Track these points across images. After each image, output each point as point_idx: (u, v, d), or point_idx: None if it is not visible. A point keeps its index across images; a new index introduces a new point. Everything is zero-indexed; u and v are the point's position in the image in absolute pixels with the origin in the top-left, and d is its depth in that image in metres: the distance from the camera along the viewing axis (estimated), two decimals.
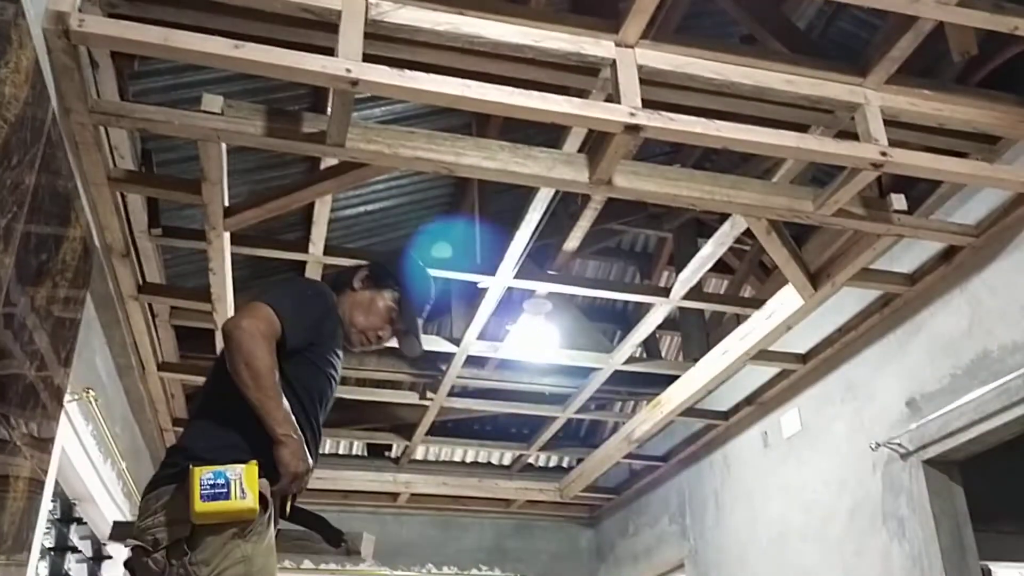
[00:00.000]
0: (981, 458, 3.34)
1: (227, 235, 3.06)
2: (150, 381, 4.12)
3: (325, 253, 3.61)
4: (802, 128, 3.04)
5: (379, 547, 6.10)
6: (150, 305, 3.91)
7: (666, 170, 2.89)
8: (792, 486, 4.17)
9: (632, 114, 2.48)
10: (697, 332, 5.27)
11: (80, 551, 3.71)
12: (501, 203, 4.35)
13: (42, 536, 2.86)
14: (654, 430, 4.82)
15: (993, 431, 3.07)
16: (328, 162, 2.97)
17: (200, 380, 4.41)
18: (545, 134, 3.56)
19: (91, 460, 3.55)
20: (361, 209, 4.67)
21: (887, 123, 2.78)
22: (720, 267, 5.53)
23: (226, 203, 2.92)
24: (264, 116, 2.52)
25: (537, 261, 4.30)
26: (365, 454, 6.39)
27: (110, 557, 4.28)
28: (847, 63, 2.84)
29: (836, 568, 3.78)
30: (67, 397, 3.03)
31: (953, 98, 2.85)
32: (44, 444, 2.54)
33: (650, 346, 5.82)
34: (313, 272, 3.70)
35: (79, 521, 3.70)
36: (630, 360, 4.58)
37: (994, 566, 5.35)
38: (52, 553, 3.56)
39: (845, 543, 3.74)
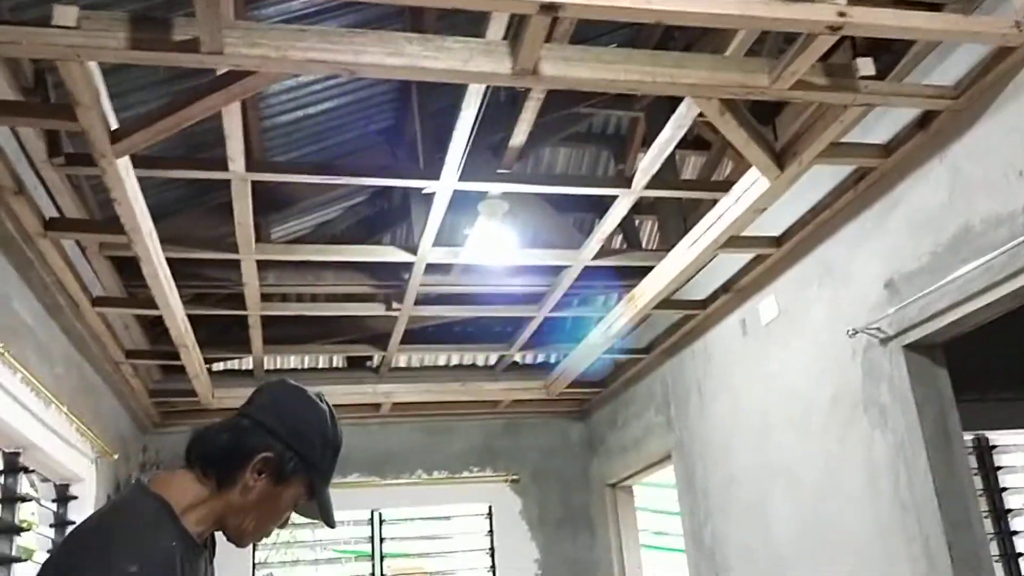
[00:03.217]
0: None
1: (124, 161, 2.76)
2: (87, 317, 3.89)
3: (250, 169, 3.30)
4: None
5: (367, 457, 6.06)
6: (78, 240, 3.65)
7: (600, 52, 2.56)
8: (772, 375, 3.98)
9: None
10: (674, 217, 5.00)
11: (33, 499, 3.58)
12: (442, 100, 4.01)
13: None
14: (631, 324, 4.61)
15: (977, 312, 2.82)
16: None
17: (144, 312, 4.23)
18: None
19: (27, 408, 3.37)
20: (300, 113, 4.33)
21: None
22: (699, 143, 5.22)
23: (113, 126, 2.61)
24: (127, 26, 2.20)
25: (495, 158, 4.00)
26: (345, 366, 6.23)
27: (75, 498, 4.17)
28: None
29: (818, 458, 3.61)
30: None
31: None
32: None
33: (629, 234, 5.56)
34: (240, 192, 3.40)
35: (26, 470, 3.56)
36: (602, 253, 4.32)
37: (992, 435, 5.23)
38: (3, 504, 3.44)
39: (827, 433, 3.56)
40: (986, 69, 2.69)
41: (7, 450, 3.43)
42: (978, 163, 2.80)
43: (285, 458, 1.57)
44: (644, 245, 5.72)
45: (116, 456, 4.57)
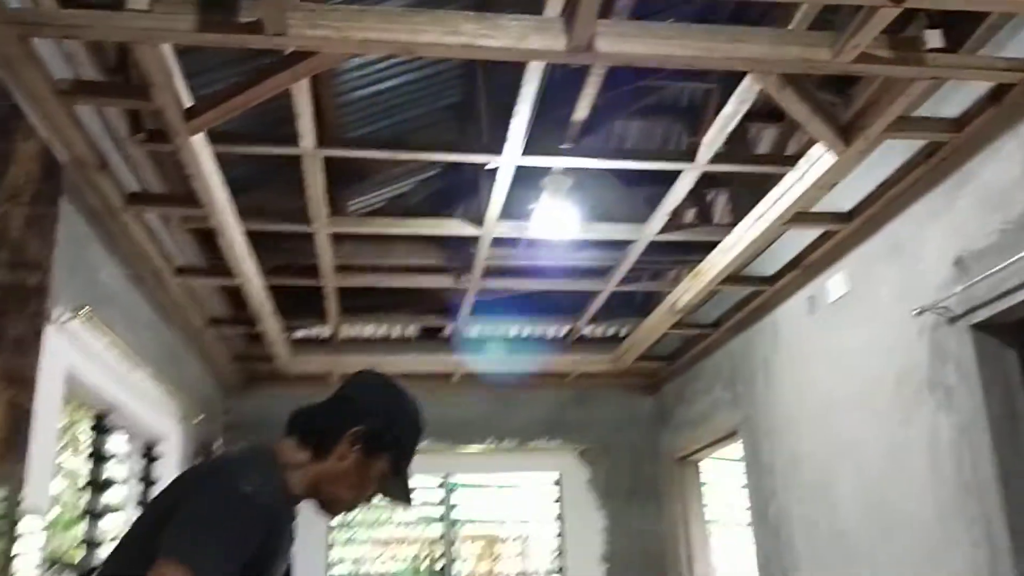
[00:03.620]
0: None
1: (199, 137, 2.89)
2: (170, 287, 4.09)
3: (320, 145, 3.41)
4: None
5: (439, 425, 6.19)
6: (163, 213, 3.82)
7: (657, 28, 2.56)
8: (838, 353, 3.92)
9: None
10: (747, 190, 4.94)
11: (115, 456, 3.79)
12: (506, 76, 4.03)
13: (51, 460, 2.89)
14: (696, 299, 4.59)
15: None
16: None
17: (224, 282, 4.40)
18: None
19: (114, 371, 3.57)
20: (372, 89, 4.42)
21: None
22: (776, 115, 5.11)
23: (188, 104, 2.74)
24: (196, 8, 2.30)
25: (560, 132, 4.02)
26: (419, 336, 6.37)
27: (161, 456, 4.41)
28: None
29: (882, 438, 3.56)
30: (64, 317, 3.00)
31: None
32: (21, 375, 2.50)
33: (702, 208, 5.52)
34: (310, 167, 3.51)
35: (113, 429, 3.77)
36: (668, 228, 4.32)
37: None
38: (93, 461, 3.66)
39: (891, 413, 3.51)
40: None
41: (95, 410, 3.64)
42: None
43: (376, 433, 1.76)
44: (717, 219, 5.66)
45: (200, 417, 4.79)
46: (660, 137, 5.58)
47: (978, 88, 2.96)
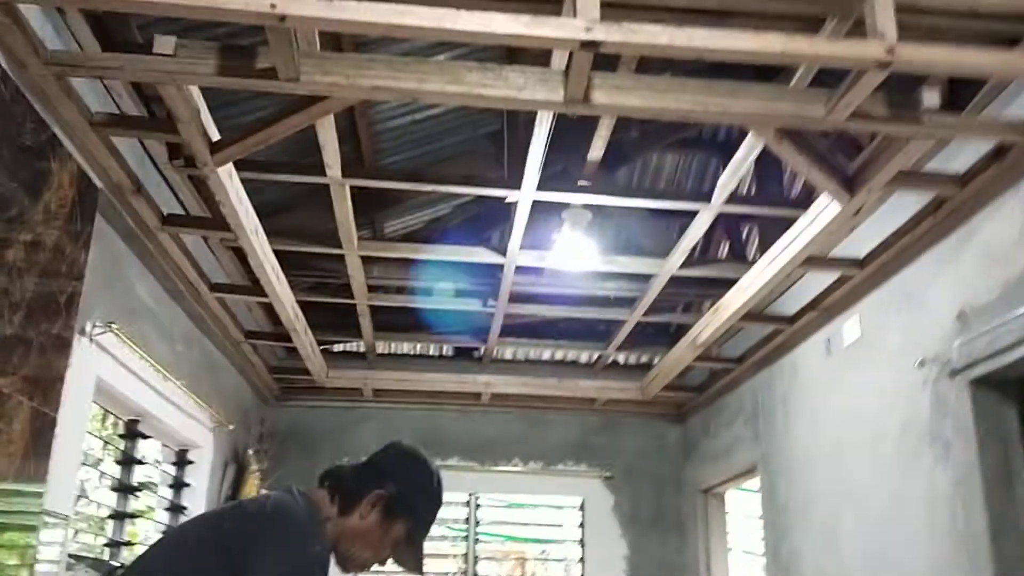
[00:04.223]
0: None
1: (226, 167, 3.07)
2: (207, 302, 4.29)
3: (347, 175, 3.57)
4: (819, 22, 2.73)
5: (467, 443, 6.33)
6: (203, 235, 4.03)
7: (653, 81, 2.65)
8: (849, 397, 3.94)
9: (588, 29, 2.27)
10: (775, 227, 4.98)
11: (144, 462, 3.99)
12: (527, 114, 4.15)
13: (76, 465, 3.08)
14: (716, 335, 4.64)
15: None
16: None
17: (258, 299, 4.59)
18: None
19: (145, 381, 3.76)
20: (408, 119, 4.60)
21: (910, 11, 2.43)
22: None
23: (214, 138, 2.92)
24: (217, 54, 2.48)
25: (582, 168, 4.12)
26: (452, 355, 6.52)
27: (192, 463, 4.60)
28: None
29: (886, 487, 3.57)
30: (97, 329, 3.21)
31: None
32: (47, 384, 2.69)
33: (734, 241, 5.57)
34: (338, 195, 3.68)
35: (142, 436, 3.98)
36: (689, 263, 4.38)
37: None
38: (121, 467, 3.87)
39: (894, 462, 3.52)
40: None
41: (126, 418, 3.85)
42: None
43: (396, 499, 1.90)
44: (751, 253, 5.69)
45: (232, 426, 4.99)
46: (696, 171, 5.64)
47: (984, 145, 2.98)
